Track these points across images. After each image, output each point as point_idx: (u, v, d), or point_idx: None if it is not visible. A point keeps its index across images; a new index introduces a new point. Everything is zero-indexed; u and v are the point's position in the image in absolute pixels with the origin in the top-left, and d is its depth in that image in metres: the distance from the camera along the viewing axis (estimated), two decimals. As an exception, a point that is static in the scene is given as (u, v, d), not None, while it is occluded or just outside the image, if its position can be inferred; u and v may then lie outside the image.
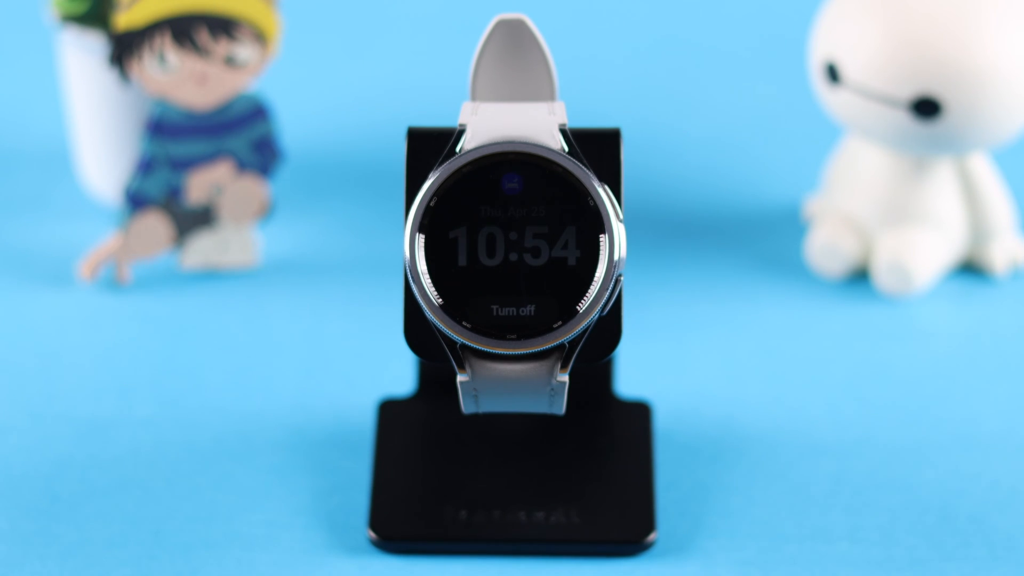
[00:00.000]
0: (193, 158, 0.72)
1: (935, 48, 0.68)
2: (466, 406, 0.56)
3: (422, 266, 0.54)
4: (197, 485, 0.63)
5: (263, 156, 0.73)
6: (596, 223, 0.54)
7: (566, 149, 0.54)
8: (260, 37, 0.71)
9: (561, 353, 0.54)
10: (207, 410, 0.67)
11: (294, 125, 0.82)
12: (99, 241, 0.75)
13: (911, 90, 0.69)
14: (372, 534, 0.60)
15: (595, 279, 0.54)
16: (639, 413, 0.64)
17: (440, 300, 0.54)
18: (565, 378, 0.54)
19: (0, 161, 0.82)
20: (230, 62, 0.71)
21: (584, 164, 0.54)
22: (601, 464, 0.62)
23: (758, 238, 0.77)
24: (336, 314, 0.72)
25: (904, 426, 0.66)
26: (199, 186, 0.73)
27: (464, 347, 0.54)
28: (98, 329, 0.71)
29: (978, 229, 0.74)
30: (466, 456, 0.63)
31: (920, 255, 0.73)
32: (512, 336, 0.53)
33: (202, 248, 0.74)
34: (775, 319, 0.72)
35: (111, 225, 0.76)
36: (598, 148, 0.55)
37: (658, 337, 0.71)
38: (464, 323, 0.54)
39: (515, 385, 0.54)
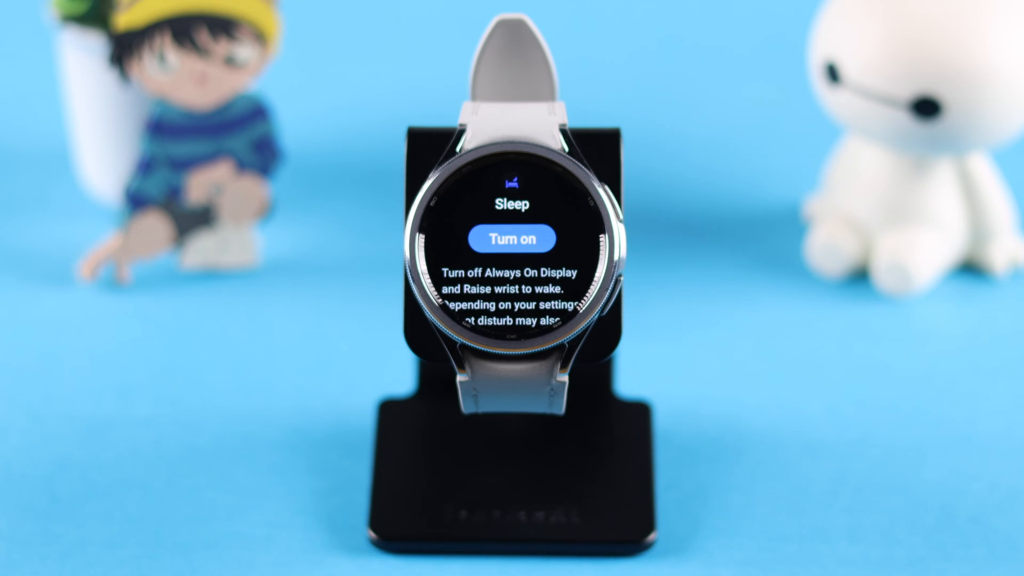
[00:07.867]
0: (193, 158, 0.72)
1: (935, 48, 0.68)
2: (466, 406, 0.56)
3: (422, 266, 0.54)
4: (197, 485, 0.63)
5: (263, 156, 0.73)
6: (596, 223, 0.54)
7: (566, 149, 0.54)
8: (260, 37, 0.71)
9: (561, 353, 0.54)
10: (207, 410, 0.67)
11: (294, 125, 0.82)
12: (99, 241, 0.75)
13: (911, 90, 0.69)
14: (372, 534, 0.60)
15: (595, 279, 0.54)
16: (639, 413, 0.64)
17: (440, 300, 0.54)
18: (565, 378, 0.54)
19: (0, 161, 0.82)
20: (230, 62, 0.71)
21: (584, 164, 0.54)
22: (601, 464, 0.62)
23: (758, 238, 0.77)
24: (336, 314, 0.72)
25: (904, 426, 0.66)
26: (199, 186, 0.73)
27: (464, 347, 0.54)
28: (98, 329, 0.71)
29: (978, 229, 0.74)
30: (466, 456, 0.63)
31: (920, 255, 0.73)
32: (512, 336, 0.53)
33: (202, 248, 0.74)
34: (775, 319, 0.72)
35: (111, 225, 0.76)
36: (598, 148, 0.55)
37: (658, 337, 0.71)
38: (464, 323, 0.54)
39: (515, 385, 0.54)
